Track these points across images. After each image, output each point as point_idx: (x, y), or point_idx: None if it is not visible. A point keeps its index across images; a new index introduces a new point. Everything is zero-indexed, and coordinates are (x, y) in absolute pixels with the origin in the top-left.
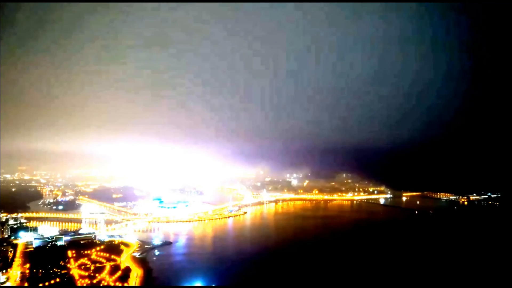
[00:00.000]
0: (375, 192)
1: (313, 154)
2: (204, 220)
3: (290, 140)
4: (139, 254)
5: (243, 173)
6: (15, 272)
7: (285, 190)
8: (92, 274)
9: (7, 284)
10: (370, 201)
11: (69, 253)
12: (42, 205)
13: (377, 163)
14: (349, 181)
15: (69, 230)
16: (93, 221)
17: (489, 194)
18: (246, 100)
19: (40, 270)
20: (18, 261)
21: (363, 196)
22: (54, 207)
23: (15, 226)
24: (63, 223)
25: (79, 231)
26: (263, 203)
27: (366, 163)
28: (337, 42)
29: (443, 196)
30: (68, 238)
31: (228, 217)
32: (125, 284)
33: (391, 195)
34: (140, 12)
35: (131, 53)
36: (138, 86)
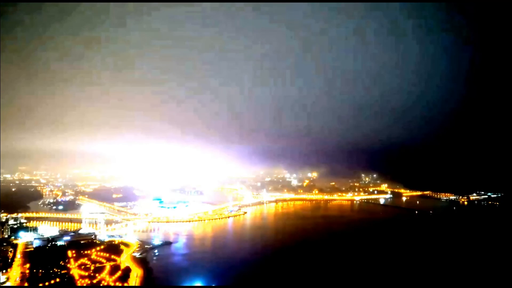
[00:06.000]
0: (375, 192)
1: (326, 154)
2: (204, 220)
3: (303, 141)
4: (139, 254)
5: (243, 173)
6: (15, 272)
7: (285, 190)
8: (92, 274)
9: (7, 284)
10: (370, 201)
11: (69, 253)
12: (42, 205)
13: (382, 163)
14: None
15: (69, 230)
16: (93, 221)
17: (489, 194)
18: (252, 100)
19: (40, 270)
20: (18, 261)
21: (363, 196)
22: (54, 207)
23: (15, 226)
24: (63, 223)
25: (79, 231)
26: (263, 203)
27: (373, 162)
28: (347, 42)
29: (443, 196)
30: (68, 238)
31: (228, 217)
32: (125, 284)
33: (391, 195)
34: (141, 11)
35: (131, 53)
36: (139, 86)
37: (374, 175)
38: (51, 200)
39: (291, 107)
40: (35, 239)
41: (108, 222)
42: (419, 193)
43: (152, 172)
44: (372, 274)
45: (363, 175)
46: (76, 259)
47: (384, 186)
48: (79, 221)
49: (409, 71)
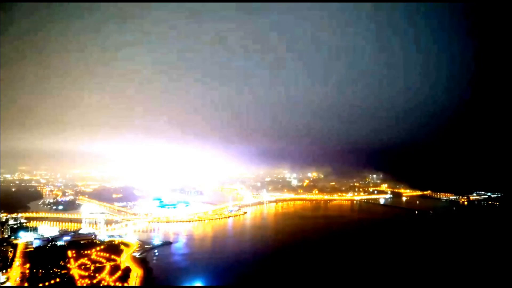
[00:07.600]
0: (375, 192)
1: (327, 154)
2: (204, 220)
3: (303, 140)
4: (139, 254)
5: (243, 173)
6: (15, 272)
7: (285, 190)
8: (92, 274)
9: (7, 284)
10: (370, 201)
11: (69, 253)
12: (42, 205)
13: (382, 163)
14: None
15: (69, 230)
16: (93, 221)
17: (489, 194)
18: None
19: (40, 270)
20: (18, 261)
21: (363, 196)
22: (54, 207)
23: (15, 226)
24: (63, 223)
25: (79, 231)
26: (263, 203)
27: (373, 162)
28: (348, 41)
29: (443, 196)
30: (68, 238)
31: (228, 217)
32: (125, 284)
33: (391, 195)
34: (140, 11)
35: (131, 52)
36: (139, 86)
37: (375, 175)
38: (51, 200)
39: (291, 107)
40: (35, 239)
41: (108, 222)
42: (419, 193)
43: (152, 172)
44: (372, 274)
45: (364, 175)
46: (76, 259)
47: (384, 186)
48: (79, 221)
49: (409, 71)
